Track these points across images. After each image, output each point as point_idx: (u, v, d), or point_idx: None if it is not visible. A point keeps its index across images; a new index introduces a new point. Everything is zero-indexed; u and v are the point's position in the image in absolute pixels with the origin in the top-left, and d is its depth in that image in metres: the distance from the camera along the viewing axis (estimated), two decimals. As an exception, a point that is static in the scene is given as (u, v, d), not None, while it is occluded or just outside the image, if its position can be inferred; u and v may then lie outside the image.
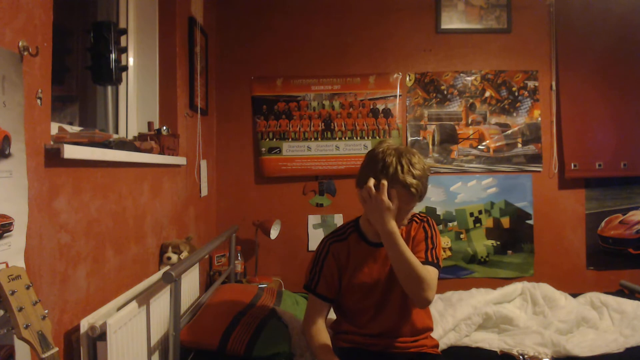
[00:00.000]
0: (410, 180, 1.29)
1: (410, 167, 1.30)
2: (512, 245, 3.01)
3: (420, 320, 1.53)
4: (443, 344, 1.99)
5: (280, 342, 1.69)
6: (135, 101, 2.14)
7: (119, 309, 1.40)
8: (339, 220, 3.03)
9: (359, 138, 3.01)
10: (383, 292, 1.47)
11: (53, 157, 1.13)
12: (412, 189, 1.29)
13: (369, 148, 2.98)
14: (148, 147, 1.77)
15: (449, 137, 3.03)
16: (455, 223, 3.01)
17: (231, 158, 3.06)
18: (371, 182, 1.33)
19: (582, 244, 3.03)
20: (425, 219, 1.51)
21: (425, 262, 1.37)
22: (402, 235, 1.40)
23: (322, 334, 1.47)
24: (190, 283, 2.15)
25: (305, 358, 1.69)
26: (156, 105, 2.19)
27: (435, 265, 1.39)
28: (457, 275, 3.00)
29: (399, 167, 1.30)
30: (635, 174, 2.98)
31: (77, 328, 1.24)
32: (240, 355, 1.60)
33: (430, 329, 1.58)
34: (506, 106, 3.03)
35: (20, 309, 0.86)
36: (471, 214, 3.02)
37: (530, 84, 3.02)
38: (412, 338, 1.51)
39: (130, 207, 1.65)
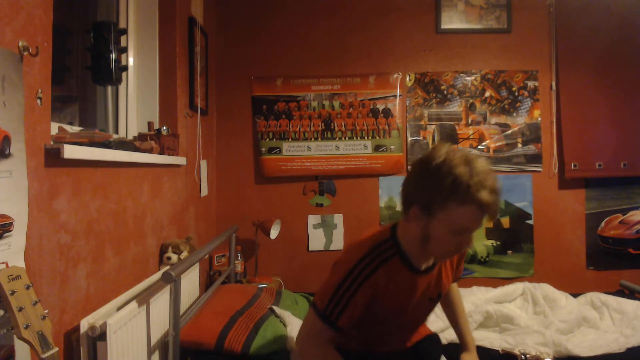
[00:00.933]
0: (487, 197, 1.03)
1: (486, 180, 1.04)
2: (512, 245, 3.01)
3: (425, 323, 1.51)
4: (444, 339, 1.98)
5: (277, 341, 1.69)
6: (135, 101, 2.14)
7: (119, 309, 1.40)
8: (338, 220, 3.03)
9: (359, 138, 3.01)
10: (411, 314, 1.33)
11: (53, 157, 1.13)
12: (491, 207, 1.05)
13: (369, 148, 3.02)
14: (148, 147, 1.77)
15: (449, 137, 3.03)
16: (455, 223, 3.01)
17: (231, 158, 3.06)
18: None
19: (582, 244, 3.03)
20: None
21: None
22: (436, 266, 1.31)
23: (333, 352, 1.22)
24: (190, 283, 2.15)
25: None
26: (156, 105, 2.19)
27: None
28: (457, 275, 3.00)
29: (472, 182, 1.03)
30: (635, 174, 2.98)
31: (77, 328, 1.24)
32: (237, 354, 1.60)
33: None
34: (506, 106, 3.03)
35: (20, 309, 0.86)
36: (471, 214, 3.01)
37: (530, 84, 3.02)
38: (416, 336, 1.49)
39: (130, 207, 1.65)
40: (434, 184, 1.07)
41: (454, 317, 1.54)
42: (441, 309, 1.58)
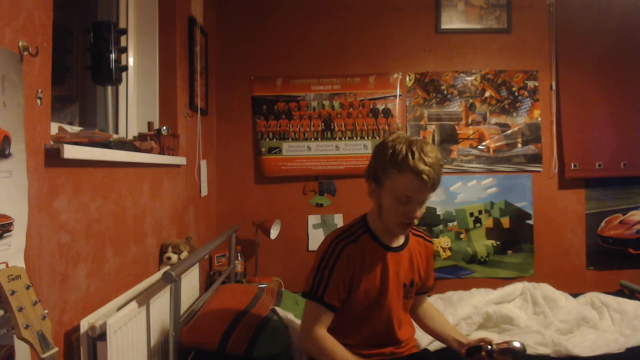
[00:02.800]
0: (422, 167, 1.21)
1: (422, 154, 1.23)
2: (512, 245, 3.01)
3: (409, 321, 1.54)
4: (433, 347, 1.99)
5: (280, 343, 1.69)
6: (135, 101, 2.14)
7: (119, 309, 1.40)
8: (339, 220, 3.02)
9: (359, 138, 3.01)
10: (389, 298, 1.40)
11: (53, 157, 1.13)
12: (424, 176, 1.21)
13: (369, 148, 3.01)
14: (148, 147, 1.77)
15: (449, 137, 3.03)
16: (455, 223, 3.01)
17: (231, 158, 3.06)
18: None
19: (582, 244, 3.03)
20: (430, 240, 1.55)
21: (430, 289, 1.58)
22: (412, 248, 1.46)
23: (331, 339, 1.33)
24: (190, 283, 2.15)
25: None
26: (156, 105, 2.19)
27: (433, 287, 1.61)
28: (457, 275, 3.00)
29: (409, 154, 1.23)
30: (635, 174, 2.98)
31: (77, 328, 1.24)
32: (240, 356, 1.60)
33: (414, 327, 1.58)
34: (506, 106, 3.03)
35: (20, 309, 0.86)
36: (471, 214, 3.01)
37: (530, 84, 3.02)
38: (406, 341, 1.49)
39: (130, 207, 1.65)
40: (380, 157, 1.30)
41: (441, 327, 1.55)
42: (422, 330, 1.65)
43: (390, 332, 1.44)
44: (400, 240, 1.43)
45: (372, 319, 1.41)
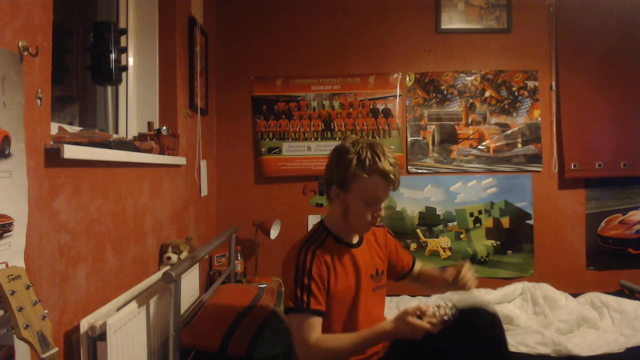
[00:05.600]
0: (388, 167, 1.30)
1: (385, 157, 1.32)
2: (512, 245, 3.01)
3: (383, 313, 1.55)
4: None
5: (281, 344, 1.68)
6: (135, 101, 2.14)
7: (118, 309, 1.40)
8: (339, 220, 3.02)
9: (359, 138, 3.00)
10: (364, 294, 1.42)
11: (53, 157, 1.13)
12: (391, 176, 1.30)
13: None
14: (148, 147, 1.77)
15: (449, 137, 3.03)
16: (455, 223, 3.01)
17: (231, 158, 3.06)
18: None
19: (582, 244, 3.03)
20: (379, 224, 1.55)
21: (413, 263, 1.61)
22: (367, 240, 1.49)
23: (328, 336, 1.32)
24: (190, 283, 2.15)
25: None
26: (156, 105, 2.19)
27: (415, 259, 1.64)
28: (457, 275, 2.99)
29: (375, 157, 1.30)
30: (635, 174, 2.98)
31: (77, 328, 1.24)
32: (241, 357, 1.60)
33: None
34: (506, 106, 3.03)
35: (20, 309, 0.86)
36: (471, 214, 3.01)
37: (530, 84, 3.02)
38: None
39: (130, 207, 1.65)
40: (345, 163, 1.33)
41: (431, 274, 1.59)
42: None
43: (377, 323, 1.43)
44: (357, 235, 1.49)
45: (354, 318, 1.40)
